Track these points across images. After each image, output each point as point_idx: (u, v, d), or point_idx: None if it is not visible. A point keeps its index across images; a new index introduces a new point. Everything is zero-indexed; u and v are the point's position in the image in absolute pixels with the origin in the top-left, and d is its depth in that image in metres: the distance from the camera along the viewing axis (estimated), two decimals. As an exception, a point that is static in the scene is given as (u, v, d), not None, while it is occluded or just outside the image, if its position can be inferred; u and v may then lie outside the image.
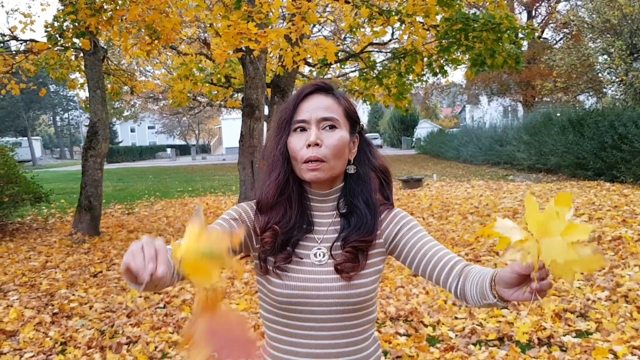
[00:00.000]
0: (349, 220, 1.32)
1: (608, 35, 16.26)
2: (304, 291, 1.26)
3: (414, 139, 45.03)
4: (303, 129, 1.29)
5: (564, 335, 3.75)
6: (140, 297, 5.19)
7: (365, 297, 1.28)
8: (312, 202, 1.35)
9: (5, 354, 3.95)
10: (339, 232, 1.33)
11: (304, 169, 1.27)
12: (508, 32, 7.48)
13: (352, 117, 1.35)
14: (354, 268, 1.27)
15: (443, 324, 4.13)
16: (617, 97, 17.12)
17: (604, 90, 18.83)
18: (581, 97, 21.62)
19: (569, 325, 3.94)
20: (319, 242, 1.32)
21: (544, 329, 3.86)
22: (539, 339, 3.74)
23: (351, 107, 1.36)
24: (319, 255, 1.31)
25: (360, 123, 1.39)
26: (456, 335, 3.91)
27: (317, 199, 1.35)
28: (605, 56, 16.75)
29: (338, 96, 1.34)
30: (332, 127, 1.29)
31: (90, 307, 4.94)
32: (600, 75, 17.93)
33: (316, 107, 1.29)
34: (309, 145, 1.26)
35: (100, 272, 6.28)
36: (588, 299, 4.45)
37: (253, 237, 1.34)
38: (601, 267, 0.91)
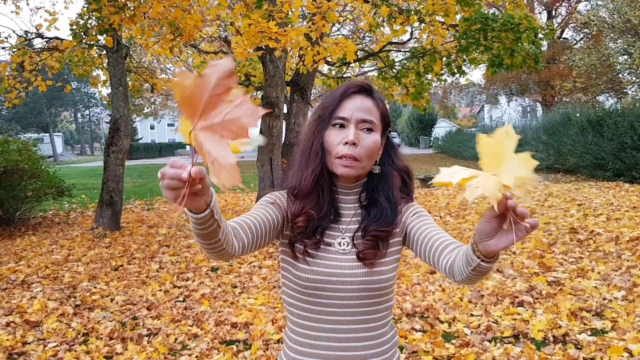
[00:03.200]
0: (369, 212, 1.40)
1: (629, 36, 16.07)
2: (328, 277, 1.33)
3: (432, 139, 44.87)
4: (342, 126, 1.36)
5: (579, 334, 3.77)
6: (160, 290, 5.30)
7: (385, 284, 1.35)
8: (338, 195, 1.43)
9: (29, 343, 4.06)
10: (359, 223, 1.40)
11: (337, 163, 1.35)
12: (527, 32, 7.46)
13: (385, 121, 1.43)
14: (375, 255, 1.34)
15: (459, 320, 4.17)
16: (637, 97, 16.92)
17: (624, 90, 18.62)
18: (601, 98, 21.40)
19: (585, 324, 3.95)
20: (342, 232, 1.40)
21: (560, 327, 3.88)
22: (554, 336, 3.76)
23: (387, 111, 1.43)
24: (343, 244, 1.38)
25: (391, 126, 1.47)
26: (472, 332, 3.95)
27: (342, 191, 1.43)
28: (626, 56, 16.57)
29: (377, 99, 1.41)
30: (370, 129, 1.36)
31: (112, 300, 5.05)
32: (620, 75, 17.73)
33: (358, 107, 1.36)
34: (346, 143, 1.33)
35: (121, 265, 6.40)
36: (604, 299, 4.46)
37: (284, 223, 1.40)
38: (536, 185, 0.94)
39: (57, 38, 9.42)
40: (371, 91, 1.42)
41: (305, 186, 1.38)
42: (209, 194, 1.01)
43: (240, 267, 6.07)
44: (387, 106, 1.47)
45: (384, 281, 1.35)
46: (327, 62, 10.28)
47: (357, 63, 11.76)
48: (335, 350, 1.34)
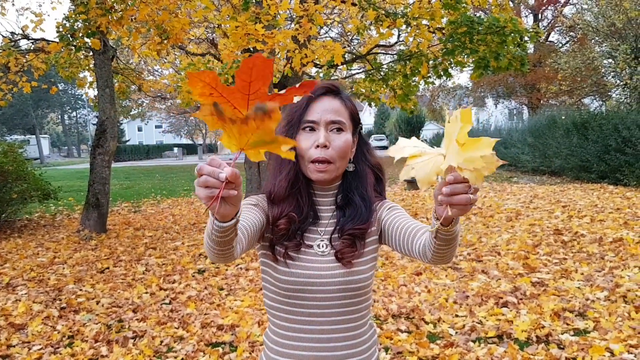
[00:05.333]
0: (345, 212, 1.42)
1: (613, 39, 16.27)
2: (308, 279, 1.35)
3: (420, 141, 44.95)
4: (312, 129, 1.37)
5: (562, 334, 3.82)
6: (146, 292, 5.29)
7: (363, 284, 1.37)
8: (315, 197, 1.45)
9: (14, 346, 4.04)
10: (336, 225, 1.42)
11: (311, 168, 1.37)
12: (512, 35, 7.54)
13: (355, 119, 1.44)
14: (353, 253, 1.37)
15: (444, 321, 4.20)
16: (621, 100, 17.12)
17: (609, 93, 18.83)
18: (586, 100, 21.61)
19: (568, 324, 4.00)
20: (321, 234, 1.42)
21: (543, 327, 3.93)
22: (537, 336, 3.81)
23: (355, 109, 1.45)
24: (322, 246, 1.40)
25: (361, 124, 1.48)
26: (456, 333, 3.99)
27: (319, 193, 1.45)
28: (610, 60, 16.76)
29: (344, 99, 1.43)
30: (340, 129, 1.38)
31: (97, 302, 5.03)
32: (605, 78, 17.92)
33: (326, 109, 1.38)
34: (318, 146, 1.35)
35: (107, 268, 6.38)
36: (587, 299, 4.51)
37: (266, 225, 1.41)
38: (496, 166, 0.93)
39: (43, 39, 9.36)
40: (338, 91, 1.43)
41: (280, 192, 1.40)
42: (239, 204, 1.00)
43: (227, 269, 6.08)
44: (359, 104, 1.47)
45: (362, 281, 1.37)
46: (315, 65, 10.31)
47: (344, 65, 11.79)
48: (315, 350, 1.36)
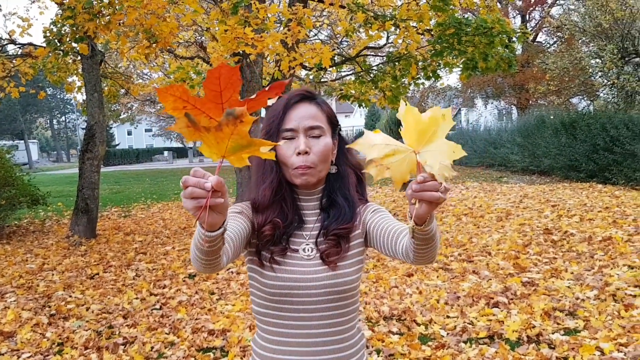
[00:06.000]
0: (329, 213, 1.43)
1: (600, 39, 16.39)
2: (294, 282, 1.35)
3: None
4: (291, 137, 1.39)
5: (553, 333, 3.84)
6: (136, 298, 5.26)
7: (349, 286, 1.38)
8: (300, 202, 1.46)
9: (3, 354, 4.01)
10: (321, 227, 1.43)
11: (295, 174, 1.38)
12: (500, 36, 7.58)
13: (333, 122, 1.46)
14: (338, 253, 1.38)
15: (435, 322, 4.21)
16: (609, 100, 17.25)
17: (596, 93, 18.97)
18: (574, 100, 21.76)
19: (558, 324, 4.02)
20: (307, 238, 1.43)
21: (533, 327, 3.95)
22: (528, 336, 3.82)
23: (332, 112, 1.47)
24: (307, 250, 1.41)
25: (339, 125, 1.49)
26: (448, 334, 4.00)
27: (303, 197, 1.46)
28: (597, 60, 16.88)
29: (320, 103, 1.45)
30: (319, 134, 1.39)
31: (87, 309, 5.00)
32: (592, 78, 18.06)
33: (303, 116, 1.39)
34: (299, 154, 1.36)
35: (97, 274, 6.34)
36: (577, 298, 4.54)
37: (251, 232, 1.42)
38: (461, 155, 0.93)
39: (30, 44, 9.31)
40: (313, 97, 1.44)
41: (264, 200, 1.41)
42: (226, 212, 1.01)
43: (217, 274, 6.06)
44: (332, 107, 1.49)
45: (348, 283, 1.37)
46: (304, 67, 10.31)
47: (334, 68, 11.80)
48: (303, 355, 1.37)
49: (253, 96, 0.85)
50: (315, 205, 1.46)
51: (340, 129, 1.50)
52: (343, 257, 1.38)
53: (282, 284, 1.35)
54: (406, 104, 1.01)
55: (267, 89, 0.86)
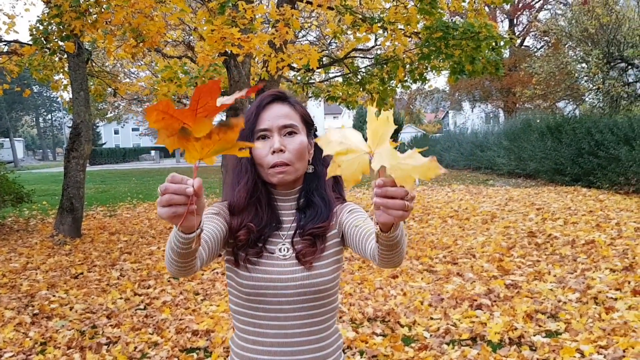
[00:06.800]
0: (305, 213, 1.44)
1: (586, 44, 16.56)
2: (269, 282, 1.36)
3: (398, 144, 45.32)
4: (265, 137, 1.40)
5: (534, 335, 3.87)
6: (120, 298, 5.24)
7: (325, 286, 1.38)
8: (277, 202, 1.47)
9: (-15, 353, 3.98)
10: (297, 227, 1.44)
11: (271, 173, 1.39)
12: (487, 40, 7.64)
13: (307, 122, 1.47)
14: (313, 253, 1.38)
15: (419, 324, 4.24)
16: (594, 104, 17.43)
17: (582, 97, 19.16)
18: (560, 104, 21.95)
19: (540, 326, 4.06)
20: (283, 238, 1.43)
21: (515, 329, 3.98)
22: (510, 338, 3.86)
23: (306, 112, 1.48)
24: (284, 250, 1.41)
25: (314, 125, 1.51)
26: (431, 335, 4.02)
27: (280, 198, 1.47)
28: (583, 64, 17.05)
29: (294, 103, 1.46)
30: (292, 133, 1.41)
31: (71, 308, 4.97)
32: (578, 82, 18.24)
33: (276, 115, 1.41)
34: (274, 152, 1.37)
35: (81, 273, 6.30)
36: (559, 301, 4.59)
37: (228, 233, 1.42)
38: (437, 175, 0.90)
39: (16, 41, 9.23)
40: (285, 97, 1.46)
41: (239, 202, 1.42)
42: (202, 214, 1.01)
43: (202, 274, 6.05)
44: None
45: (324, 283, 1.38)
46: (292, 68, 10.33)
47: (322, 69, 11.82)
48: (279, 355, 1.37)
49: (229, 99, 0.86)
50: (293, 206, 1.47)
51: (316, 129, 1.51)
52: (319, 257, 1.39)
53: (256, 284, 1.36)
54: (372, 105, 1.02)
55: (244, 93, 0.87)
